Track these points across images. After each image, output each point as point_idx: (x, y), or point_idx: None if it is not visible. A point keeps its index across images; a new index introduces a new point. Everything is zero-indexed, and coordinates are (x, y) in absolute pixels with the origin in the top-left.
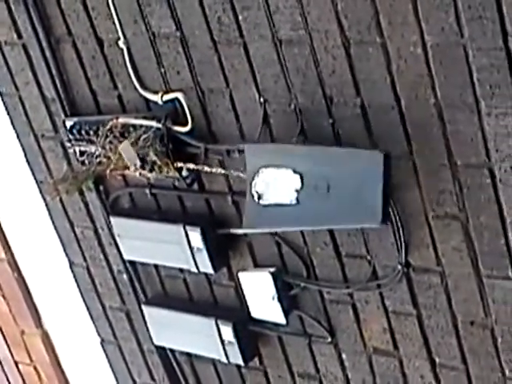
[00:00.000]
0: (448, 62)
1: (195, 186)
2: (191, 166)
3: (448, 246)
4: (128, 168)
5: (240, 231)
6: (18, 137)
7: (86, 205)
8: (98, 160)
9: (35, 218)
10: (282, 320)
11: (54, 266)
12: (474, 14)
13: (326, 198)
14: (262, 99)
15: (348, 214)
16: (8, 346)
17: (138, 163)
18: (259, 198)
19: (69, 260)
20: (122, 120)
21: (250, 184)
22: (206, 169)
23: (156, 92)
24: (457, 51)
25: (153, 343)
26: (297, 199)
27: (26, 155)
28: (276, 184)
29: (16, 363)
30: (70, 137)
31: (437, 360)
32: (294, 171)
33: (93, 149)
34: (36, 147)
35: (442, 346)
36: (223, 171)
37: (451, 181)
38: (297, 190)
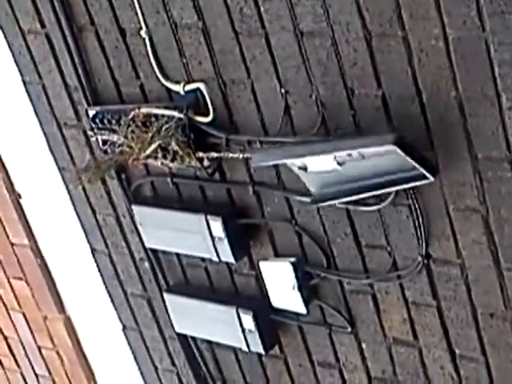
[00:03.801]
0: (469, 55)
1: (216, 176)
2: (213, 154)
3: (468, 238)
4: (150, 157)
5: (320, 204)
6: (40, 125)
7: (108, 193)
8: (120, 149)
9: (58, 204)
10: (302, 309)
11: (77, 252)
12: (496, 9)
13: (364, 160)
14: (283, 90)
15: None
16: (31, 330)
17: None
18: (305, 169)
19: (91, 247)
20: (144, 110)
21: (290, 165)
22: (230, 155)
23: (178, 82)
24: (478, 45)
25: (174, 330)
26: (338, 163)
27: (48, 143)
28: (312, 161)
29: (39, 348)
30: (93, 125)
31: (456, 351)
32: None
33: (115, 138)
34: (59, 135)
35: (461, 338)
36: (249, 155)
37: (472, 174)
38: (334, 158)
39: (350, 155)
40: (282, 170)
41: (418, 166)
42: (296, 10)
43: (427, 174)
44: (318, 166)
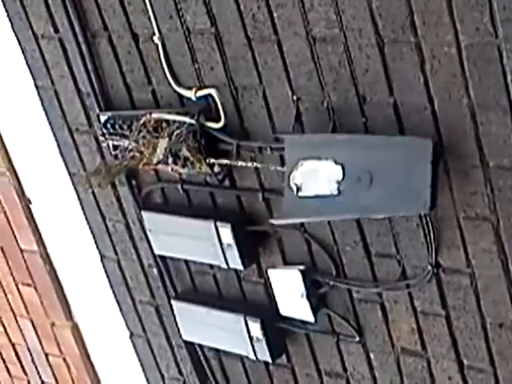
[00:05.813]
0: (482, 62)
1: (227, 183)
2: (224, 161)
3: (478, 247)
4: (161, 163)
5: (279, 222)
6: (52, 130)
7: (118, 199)
8: (130, 154)
9: (68, 210)
10: (310, 318)
11: (86, 258)
12: (509, 15)
13: (369, 189)
14: (295, 97)
15: (393, 202)
16: (38, 337)
17: (160, 159)
18: (298, 190)
19: (100, 253)
20: (155, 115)
21: (288, 177)
22: (240, 163)
23: (190, 88)
24: (491, 52)
25: (181, 338)
26: (338, 190)
27: (59, 148)
28: (316, 176)
29: (46, 355)
30: (104, 131)
31: (465, 362)
32: (336, 162)
33: (126, 143)
34: (70, 141)
35: (470, 348)
36: (259, 165)
37: (483, 182)
38: (338, 182)
39: (359, 179)
40: None
41: (429, 184)
42: (309, 16)
43: (427, 203)
44: (316, 188)
